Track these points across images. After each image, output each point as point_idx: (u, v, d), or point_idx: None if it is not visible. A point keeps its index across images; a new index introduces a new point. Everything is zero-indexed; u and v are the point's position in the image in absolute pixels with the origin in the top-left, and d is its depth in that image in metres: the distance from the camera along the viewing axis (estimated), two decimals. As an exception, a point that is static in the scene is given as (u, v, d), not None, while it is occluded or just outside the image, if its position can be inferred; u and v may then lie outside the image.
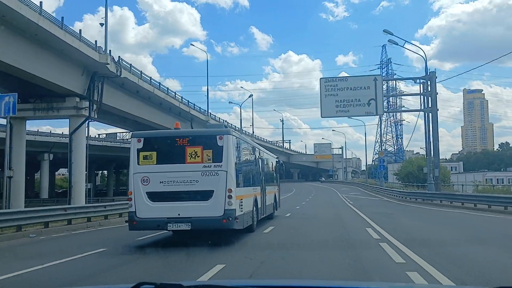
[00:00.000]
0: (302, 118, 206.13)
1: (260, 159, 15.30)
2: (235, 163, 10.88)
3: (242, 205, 11.12)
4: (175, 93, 44.19)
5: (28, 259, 9.56)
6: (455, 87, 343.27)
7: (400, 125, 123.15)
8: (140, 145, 10.75)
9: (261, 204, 14.48)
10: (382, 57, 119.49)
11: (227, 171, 10.39)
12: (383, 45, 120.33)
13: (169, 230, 11.15)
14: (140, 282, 2.35)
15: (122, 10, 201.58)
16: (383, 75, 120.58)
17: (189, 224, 10.33)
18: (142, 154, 10.69)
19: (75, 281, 7.18)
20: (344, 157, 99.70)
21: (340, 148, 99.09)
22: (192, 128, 49.87)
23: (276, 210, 18.65)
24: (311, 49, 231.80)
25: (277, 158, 21.05)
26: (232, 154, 10.66)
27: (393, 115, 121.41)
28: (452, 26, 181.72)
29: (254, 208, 13.03)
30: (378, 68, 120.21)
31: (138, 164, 10.70)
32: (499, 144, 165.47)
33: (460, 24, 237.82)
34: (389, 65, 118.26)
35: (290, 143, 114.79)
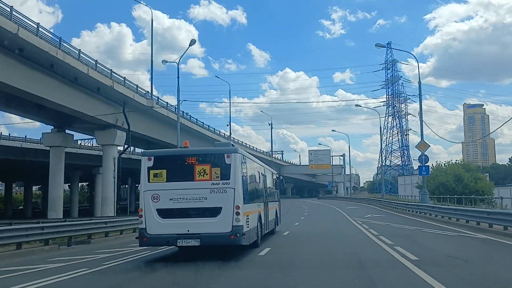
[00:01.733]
0: (299, 135, 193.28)
1: (263, 176, 14.89)
2: (242, 181, 10.74)
3: (248, 221, 10.89)
4: (79, 51, 26.53)
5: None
6: (451, 104, 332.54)
7: (406, 135, 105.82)
8: (151, 164, 10.68)
9: (265, 220, 14.02)
10: (387, 56, 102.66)
11: (234, 188, 10.38)
12: (388, 43, 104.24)
13: (178, 246, 10.78)
14: None
15: (120, 27, 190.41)
16: (388, 77, 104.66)
17: (198, 240, 10.22)
18: (152, 172, 10.62)
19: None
20: (347, 171, 79.10)
21: (341, 156, 78.55)
22: (125, 115, 32.55)
23: (278, 225, 17.50)
24: (308, 66, 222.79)
25: (277, 173, 20.23)
26: (239, 171, 10.63)
27: (399, 125, 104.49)
28: (448, 44, 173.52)
29: (259, 224, 12.72)
30: (382, 69, 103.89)
31: (149, 181, 10.61)
32: (509, 158, 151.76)
33: (456, 43, 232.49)
34: (394, 65, 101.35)
35: (282, 154, 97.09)
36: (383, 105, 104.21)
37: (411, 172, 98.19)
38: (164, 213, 10.36)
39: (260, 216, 12.98)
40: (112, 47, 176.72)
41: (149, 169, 10.59)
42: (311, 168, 79.85)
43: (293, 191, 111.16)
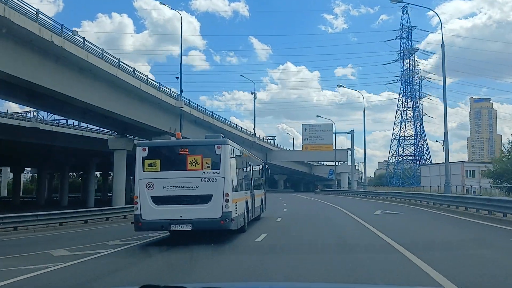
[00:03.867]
0: (299, 130, 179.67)
1: (250, 165, 15.55)
2: (231, 170, 11.36)
3: (237, 208, 11.52)
4: None
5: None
6: (453, 101, 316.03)
7: (421, 120, 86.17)
8: (145, 154, 11.16)
9: (251, 206, 14.59)
10: (402, 22, 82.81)
11: (224, 177, 10.89)
12: (403, 6, 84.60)
13: (171, 231, 11.42)
14: (144, 284, 2.46)
15: (121, 17, 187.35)
16: (403, 46, 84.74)
17: (190, 225, 10.79)
18: (146, 161, 11.12)
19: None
20: (356, 159, 57.77)
21: (349, 132, 52.62)
22: None
23: (263, 212, 18.07)
24: (310, 60, 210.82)
25: (263, 162, 20.95)
26: (229, 161, 11.15)
27: (415, 105, 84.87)
28: (451, 41, 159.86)
29: (246, 210, 13.32)
30: (396, 38, 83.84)
31: (143, 170, 11.12)
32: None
33: (459, 39, 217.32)
34: (411, 33, 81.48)
35: (274, 139, 77.37)
36: (397, 81, 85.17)
37: (430, 161, 79.20)
38: (158, 200, 10.93)
39: (247, 203, 13.60)
40: (113, 38, 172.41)
41: (143, 159, 11.12)
42: (305, 150, 53.67)
43: (286, 184, 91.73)
